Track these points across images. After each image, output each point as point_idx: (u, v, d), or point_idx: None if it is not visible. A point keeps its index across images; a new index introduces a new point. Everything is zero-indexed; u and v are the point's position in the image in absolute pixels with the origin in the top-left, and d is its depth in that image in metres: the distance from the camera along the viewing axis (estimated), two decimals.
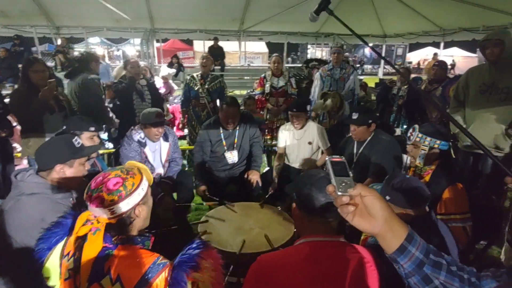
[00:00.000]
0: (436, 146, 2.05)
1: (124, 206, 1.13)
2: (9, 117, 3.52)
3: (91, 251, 1.08)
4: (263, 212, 2.45)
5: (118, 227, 1.15)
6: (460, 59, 20.72)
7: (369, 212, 0.70)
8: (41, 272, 1.31)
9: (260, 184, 3.01)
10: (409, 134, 2.17)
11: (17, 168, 3.33)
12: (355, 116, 2.66)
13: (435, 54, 13.15)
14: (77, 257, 1.10)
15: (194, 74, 4.29)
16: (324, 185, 1.24)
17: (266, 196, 2.94)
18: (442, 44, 10.57)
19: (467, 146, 2.88)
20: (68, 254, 1.13)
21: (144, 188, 1.20)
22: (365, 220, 0.70)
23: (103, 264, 1.06)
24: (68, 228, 1.28)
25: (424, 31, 9.79)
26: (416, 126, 2.15)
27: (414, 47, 19.14)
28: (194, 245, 1.13)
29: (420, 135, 2.08)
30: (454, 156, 2.15)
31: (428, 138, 2.05)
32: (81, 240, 1.11)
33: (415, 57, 23.60)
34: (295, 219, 1.37)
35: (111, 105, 4.65)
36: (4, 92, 5.88)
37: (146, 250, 1.15)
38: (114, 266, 1.06)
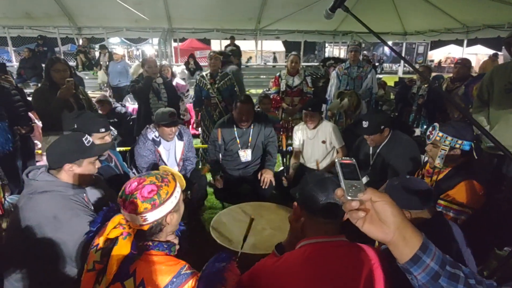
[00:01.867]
0: (457, 146, 1.95)
1: (156, 214, 1.12)
2: (31, 115, 3.64)
3: (119, 253, 1.09)
4: (276, 212, 2.43)
5: (149, 234, 1.15)
6: (484, 57, 19.95)
7: (380, 218, 0.65)
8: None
9: (274, 184, 2.98)
10: (428, 133, 2.07)
11: (38, 164, 3.44)
12: (365, 124, 2.54)
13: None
14: (105, 253, 1.12)
15: (204, 74, 4.27)
16: (328, 186, 1.22)
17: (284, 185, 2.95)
18: (465, 42, 10.21)
19: (491, 148, 2.76)
20: (96, 245, 1.15)
21: (177, 196, 1.19)
22: (376, 227, 0.66)
23: (129, 266, 1.07)
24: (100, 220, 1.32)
25: (446, 28, 9.50)
26: (436, 124, 2.04)
27: (436, 45, 18.62)
28: (220, 258, 1.13)
29: (440, 134, 1.98)
30: (476, 157, 2.05)
31: (449, 138, 1.95)
32: (110, 242, 1.13)
33: (437, 55, 22.91)
34: (295, 218, 1.35)
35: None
36: (28, 91, 6.11)
37: (172, 257, 1.15)
38: (139, 269, 1.07)
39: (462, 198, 1.87)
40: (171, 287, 1.04)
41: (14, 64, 10.43)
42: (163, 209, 1.13)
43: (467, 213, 1.85)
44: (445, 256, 0.68)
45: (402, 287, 1.23)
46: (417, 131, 4.58)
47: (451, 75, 4.47)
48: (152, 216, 1.11)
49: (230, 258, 1.15)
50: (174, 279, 1.05)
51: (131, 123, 4.60)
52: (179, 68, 8.33)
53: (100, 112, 4.83)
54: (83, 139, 1.67)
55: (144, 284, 1.04)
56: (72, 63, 10.40)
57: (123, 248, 1.09)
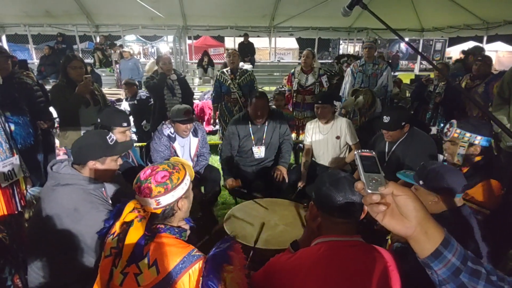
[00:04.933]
0: (476, 142, 1.91)
1: (169, 198, 1.21)
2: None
3: (134, 235, 1.17)
4: (289, 209, 2.44)
5: (162, 218, 1.24)
6: (504, 54, 19.31)
7: (401, 212, 0.65)
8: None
9: (287, 181, 2.99)
10: (446, 130, 2.03)
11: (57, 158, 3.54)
12: (386, 120, 2.49)
13: None
14: (121, 238, 1.19)
15: (224, 70, 4.32)
16: (345, 185, 1.21)
17: (297, 191, 2.93)
18: (485, 38, 9.90)
19: (511, 147, 2.69)
20: (113, 234, 1.23)
21: (187, 183, 1.28)
22: (397, 221, 0.65)
23: (143, 248, 1.15)
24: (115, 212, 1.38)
25: (465, 25, 9.22)
26: (454, 121, 2.01)
27: (454, 41, 18.07)
28: (224, 241, 1.20)
29: (458, 130, 1.95)
30: (496, 153, 2.03)
31: (468, 134, 1.92)
32: (126, 225, 1.21)
33: (455, 52, 22.29)
34: (311, 217, 1.36)
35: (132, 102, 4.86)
36: (48, 87, 6.28)
37: (182, 241, 1.22)
38: (152, 251, 1.14)
39: (481, 198, 1.84)
40: (181, 266, 1.11)
41: (34, 61, 10.72)
42: (175, 193, 1.21)
43: (484, 213, 1.82)
44: (467, 252, 0.67)
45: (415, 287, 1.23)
46: (433, 130, 4.49)
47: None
48: (165, 200, 1.20)
49: (234, 239, 1.22)
50: (185, 259, 1.13)
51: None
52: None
53: (125, 93, 5.00)
54: (107, 137, 1.72)
55: (157, 264, 1.12)
56: (89, 60, 10.62)
57: (138, 230, 1.18)
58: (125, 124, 2.33)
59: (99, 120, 2.35)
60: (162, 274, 1.10)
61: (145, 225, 1.20)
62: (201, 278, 1.09)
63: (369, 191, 0.65)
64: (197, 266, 1.12)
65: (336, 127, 3.15)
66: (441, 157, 2.76)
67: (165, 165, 1.25)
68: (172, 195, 1.21)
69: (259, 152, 3.09)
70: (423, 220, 0.64)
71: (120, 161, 1.81)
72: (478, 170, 1.92)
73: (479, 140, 1.91)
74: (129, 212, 1.24)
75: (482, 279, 0.65)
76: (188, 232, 1.31)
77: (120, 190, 1.89)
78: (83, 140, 1.71)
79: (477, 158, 1.97)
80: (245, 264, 1.18)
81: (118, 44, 10.65)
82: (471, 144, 1.93)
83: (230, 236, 1.25)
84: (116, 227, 1.24)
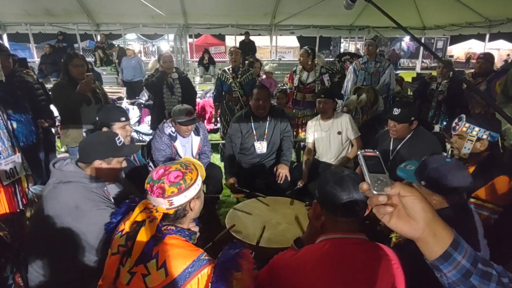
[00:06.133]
0: (484, 137, 1.91)
1: (181, 199, 1.20)
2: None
3: (145, 235, 1.15)
4: (291, 207, 2.43)
5: (174, 218, 1.23)
6: (507, 53, 19.27)
7: (409, 213, 0.62)
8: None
9: (289, 179, 2.98)
10: (454, 124, 2.04)
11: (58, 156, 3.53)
12: (396, 111, 2.46)
13: None
14: (130, 237, 1.18)
15: (226, 68, 4.29)
16: (348, 184, 1.20)
17: (294, 189, 2.92)
18: (487, 36, 9.87)
19: None
20: (121, 231, 1.22)
21: (199, 183, 1.26)
22: (404, 223, 0.63)
23: (152, 249, 1.14)
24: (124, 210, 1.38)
25: (467, 22, 9.19)
26: (463, 116, 2.02)
27: (456, 39, 18.04)
28: (233, 246, 1.17)
29: (467, 125, 1.95)
30: (502, 151, 2.04)
31: (477, 128, 1.92)
32: (137, 225, 1.20)
33: (457, 51, 22.23)
34: (315, 216, 1.34)
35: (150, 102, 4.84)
36: (49, 86, 6.28)
37: (191, 244, 1.21)
38: (162, 252, 1.13)
39: (496, 196, 1.82)
40: (190, 270, 1.10)
41: (35, 60, 10.72)
42: (188, 194, 1.20)
43: (499, 212, 1.81)
44: (477, 253, 0.65)
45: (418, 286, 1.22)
46: (436, 128, 4.47)
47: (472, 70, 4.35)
48: (177, 200, 1.18)
49: (244, 245, 1.19)
50: (194, 263, 1.11)
51: None
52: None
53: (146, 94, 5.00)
54: (116, 138, 1.73)
55: (166, 266, 1.10)
56: (90, 59, 10.62)
57: (149, 230, 1.16)
58: (123, 119, 2.34)
59: (97, 119, 2.35)
60: (170, 276, 1.09)
61: (156, 226, 1.18)
62: (209, 284, 1.08)
63: (375, 192, 0.62)
64: (206, 271, 1.11)
65: (337, 123, 3.16)
66: (444, 155, 2.74)
67: (178, 165, 1.23)
68: (185, 195, 1.19)
69: (261, 147, 3.09)
70: (431, 221, 0.62)
71: (124, 164, 1.81)
72: (484, 168, 1.91)
73: (487, 135, 1.91)
74: (140, 211, 1.23)
75: (493, 281, 0.63)
76: (198, 234, 1.30)
77: (124, 191, 1.88)
78: (92, 138, 1.72)
79: (484, 154, 1.96)
80: (254, 267, 1.15)
81: (116, 45, 10.65)
82: (479, 139, 1.93)
83: (239, 242, 1.22)
84: (126, 225, 1.22)
